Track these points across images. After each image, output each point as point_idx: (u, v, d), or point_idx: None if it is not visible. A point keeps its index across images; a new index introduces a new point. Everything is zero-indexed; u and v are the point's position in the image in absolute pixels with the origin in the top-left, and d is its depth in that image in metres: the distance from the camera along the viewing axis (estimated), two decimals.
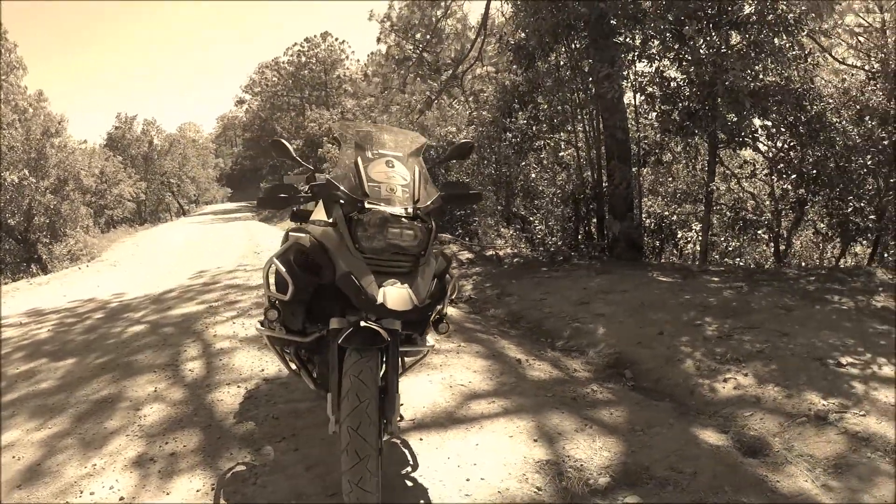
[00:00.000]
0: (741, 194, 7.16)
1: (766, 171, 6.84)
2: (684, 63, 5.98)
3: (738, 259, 7.51)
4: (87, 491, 2.30)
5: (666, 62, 6.27)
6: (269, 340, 2.35)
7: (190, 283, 7.26)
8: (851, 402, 2.82)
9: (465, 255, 8.05)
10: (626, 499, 2.11)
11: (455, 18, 13.36)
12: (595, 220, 7.68)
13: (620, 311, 4.60)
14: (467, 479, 2.24)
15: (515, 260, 7.60)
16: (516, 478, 2.25)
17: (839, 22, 7.27)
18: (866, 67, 6.80)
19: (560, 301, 5.18)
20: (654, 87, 6.30)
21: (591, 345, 4.09)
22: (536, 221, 8.55)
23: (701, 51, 5.79)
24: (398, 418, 2.06)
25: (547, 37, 6.80)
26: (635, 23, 6.32)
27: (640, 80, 6.46)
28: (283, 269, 2.08)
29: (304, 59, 40.90)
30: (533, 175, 8.38)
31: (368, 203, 1.96)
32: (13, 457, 2.62)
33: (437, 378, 3.27)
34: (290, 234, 2.27)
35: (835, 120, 5.92)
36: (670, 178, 7.86)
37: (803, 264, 7.06)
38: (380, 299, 1.85)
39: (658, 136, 7.02)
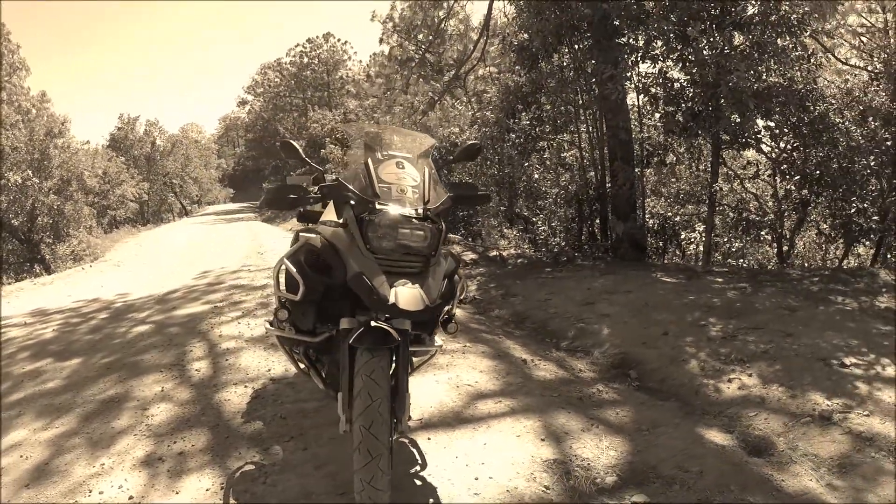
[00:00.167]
0: (744, 195, 7.17)
1: (769, 172, 6.85)
2: (688, 64, 5.99)
3: (742, 260, 7.52)
4: (95, 490, 2.31)
5: (669, 63, 6.28)
6: (279, 340, 2.37)
7: (194, 283, 7.29)
8: (855, 402, 2.84)
9: (469, 256, 8.07)
10: (633, 497, 2.13)
11: (458, 19, 13.39)
12: (598, 220, 7.70)
13: (625, 312, 4.62)
14: (476, 478, 2.26)
15: (519, 260, 7.63)
16: (524, 477, 2.27)
17: (842, 22, 7.27)
18: (869, 68, 6.81)
19: (564, 301, 5.20)
20: (658, 87, 6.31)
21: (595, 345, 4.11)
22: (539, 222, 8.56)
23: (704, 52, 5.80)
24: (408, 417, 2.08)
25: (550, 37, 6.81)
26: (638, 24, 6.33)
27: (643, 81, 6.47)
28: (294, 270, 2.09)
29: (306, 59, 40.93)
30: (536, 176, 8.40)
31: (379, 204, 1.97)
32: (21, 456, 2.62)
33: (443, 378, 3.29)
34: (301, 234, 2.28)
35: (838, 121, 5.92)
36: (673, 179, 7.87)
37: (806, 265, 7.07)
38: (391, 299, 1.87)
39: (661, 136, 7.04)
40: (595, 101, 7.21)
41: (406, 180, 2.08)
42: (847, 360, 3.29)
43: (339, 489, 2.21)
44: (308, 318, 2.20)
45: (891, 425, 2.61)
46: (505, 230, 9.77)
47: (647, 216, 7.67)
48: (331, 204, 2.35)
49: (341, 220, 2.10)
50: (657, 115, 6.79)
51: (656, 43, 6.31)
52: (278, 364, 3.60)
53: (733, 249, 7.62)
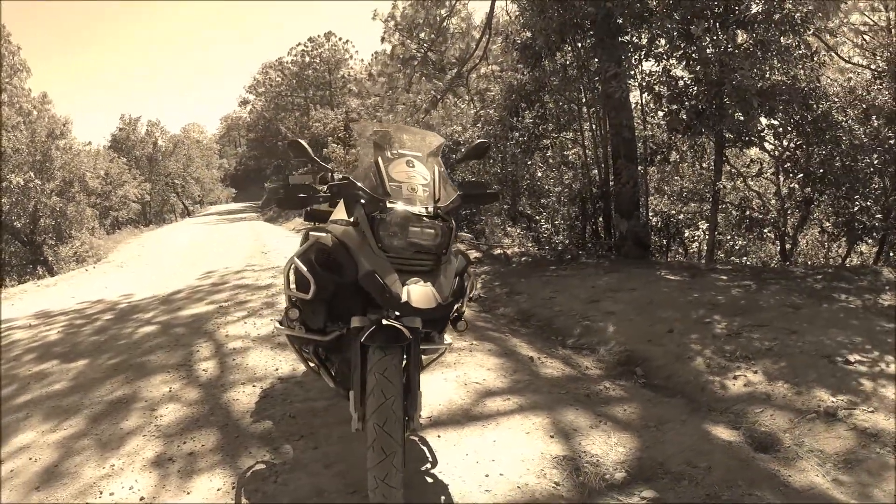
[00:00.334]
0: (747, 193, 7.19)
1: (772, 170, 6.86)
2: (691, 62, 6.00)
3: (745, 258, 7.54)
4: (106, 491, 2.30)
5: (673, 61, 6.30)
6: (289, 339, 2.38)
7: (198, 283, 7.28)
8: (860, 398, 2.86)
9: (474, 254, 8.09)
10: (642, 493, 2.16)
11: (460, 17, 13.39)
12: (602, 218, 7.71)
13: (630, 310, 4.64)
14: (486, 475, 2.28)
15: (523, 259, 7.65)
16: (534, 473, 2.29)
17: (844, 21, 7.28)
18: (872, 66, 6.81)
19: (569, 299, 5.22)
20: (662, 86, 6.32)
21: (601, 342, 4.13)
22: (542, 220, 8.58)
23: (708, 50, 5.81)
24: (419, 415, 2.09)
25: (554, 36, 6.83)
26: (642, 22, 6.34)
27: (647, 79, 6.48)
28: (305, 269, 2.10)
29: (307, 58, 40.88)
30: (539, 174, 8.41)
31: (390, 202, 1.98)
32: (30, 458, 2.62)
33: (451, 376, 3.31)
34: (311, 233, 2.28)
35: (841, 119, 5.93)
36: (677, 178, 7.88)
37: (809, 263, 7.09)
38: (404, 297, 1.88)
39: (665, 134, 7.05)
40: (598, 99, 7.23)
41: (416, 179, 2.08)
42: (851, 358, 3.31)
43: (350, 487, 2.22)
44: (318, 316, 2.21)
45: (894, 422, 2.63)
46: (508, 228, 9.78)
47: (650, 214, 7.69)
48: (341, 203, 2.36)
49: (352, 219, 2.11)
50: (661, 114, 6.80)
51: (660, 41, 6.32)
52: (286, 363, 3.61)
53: (736, 247, 7.64)
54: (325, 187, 2.41)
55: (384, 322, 1.97)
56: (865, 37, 7.42)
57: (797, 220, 6.80)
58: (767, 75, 5.70)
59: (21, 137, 15.35)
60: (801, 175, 6.25)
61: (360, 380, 1.97)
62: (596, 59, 6.90)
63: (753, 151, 7.19)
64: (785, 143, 6.46)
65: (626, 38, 6.63)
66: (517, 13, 8.62)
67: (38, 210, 15.58)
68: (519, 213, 8.90)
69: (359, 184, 2.07)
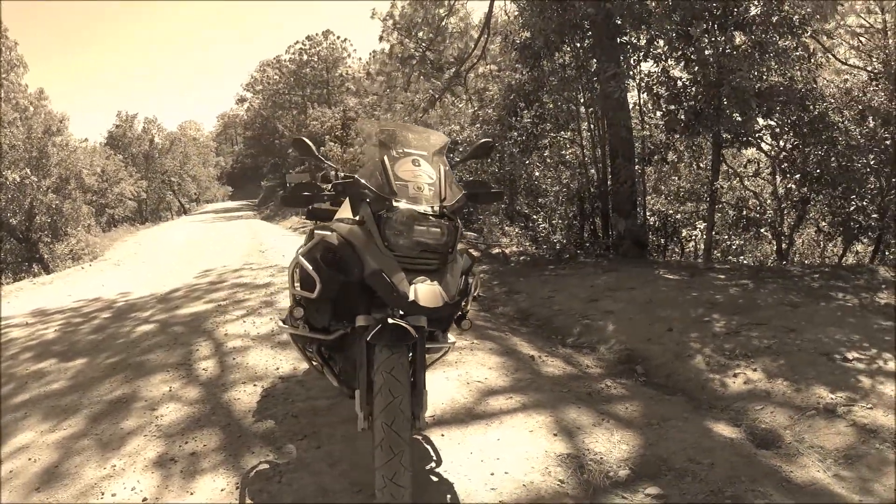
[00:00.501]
0: (744, 193, 7.24)
1: (769, 171, 6.91)
2: (690, 63, 6.04)
3: (741, 257, 7.59)
4: (108, 492, 2.28)
5: (671, 62, 6.33)
6: (292, 338, 2.37)
7: (196, 281, 7.26)
8: (859, 395, 2.90)
9: (472, 253, 8.10)
10: (647, 490, 2.17)
11: (458, 17, 13.38)
12: (600, 218, 7.75)
13: (629, 308, 4.67)
14: (492, 474, 2.29)
15: (521, 258, 7.67)
16: (539, 471, 2.30)
17: (841, 23, 7.33)
18: (868, 68, 6.87)
19: (568, 298, 5.25)
20: (661, 86, 6.36)
21: (601, 341, 4.16)
22: (539, 220, 8.61)
23: (706, 51, 5.84)
24: (425, 414, 2.09)
25: (553, 36, 6.85)
26: (641, 23, 6.37)
27: (646, 79, 6.52)
28: (310, 267, 2.09)
29: (305, 57, 40.77)
30: (536, 173, 8.44)
31: (396, 201, 1.97)
32: (29, 459, 2.59)
33: (453, 375, 3.32)
34: (316, 231, 2.26)
35: (837, 120, 5.99)
36: (674, 177, 7.93)
37: (805, 262, 7.14)
38: (412, 296, 1.87)
39: (663, 135, 7.09)
40: (597, 99, 7.25)
41: (422, 178, 2.07)
42: (849, 355, 3.35)
43: (355, 487, 2.21)
44: (323, 315, 2.21)
45: (893, 417, 2.67)
46: (506, 227, 9.80)
47: (647, 214, 7.73)
48: (346, 202, 2.36)
49: (358, 218, 2.09)
50: (659, 114, 6.84)
51: (658, 42, 6.36)
52: (287, 362, 3.60)
53: (733, 247, 7.69)
54: (329, 185, 2.41)
55: (390, 321, 1.95)
56: (861, 39, 7.48)
57: (793, 219, 6.86)
58: (765, 76, 5.75)
59: (17, 133, 15.25)
60: (798, 175, 6.30)
61: (366, 379, 1.97)
62: (595, 60, 6.93)
63: (750, 152, 7.24)
64: (782, 143, 6.51)
65: (625, 38, 6.66)
66: (516, 13, 8.65)
67: (34, 207, 15.49)
68: (516, 213, 8.91)
69: (365, 182, 2.07)
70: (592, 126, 7.63)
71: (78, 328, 5.07)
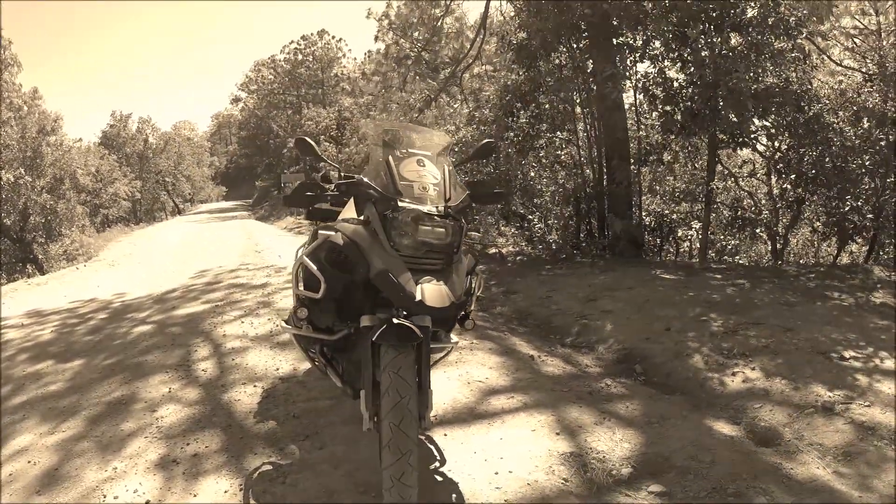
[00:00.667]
0: (739, 193, 7.29)
1: (764, 171, 6.97)
2: (686, 64, 6.08)
3: (737, 257, 7.64)
4: (110, 495, 2.25)
5: (668, 63, 6.37)
6: (295, 338, 2.37)
7: (192, 282, 7.24)
8: (856, 393, 2.93)
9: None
10: (650, 487, 2.19)
11: (454, 17, 13.41)
12: (595, 218, 7.78)
13: (627, 308, 4.69)
14: (496, 473, 2.29)
15: (518, 258, 7.69)
16: (543, 470, 2.31)
17: (836, 24, 7.40)
18: (863, 69, 6.94)
19: (566, 298, 5.26)
20: (657, 87, 6.39)
21: (599, 341, 4.18)
22: (535, 220, 8.63)
23: (702, 52, 5.88)
24: (430, 414, 2.09)
25: (549, 37, 6.87)
26: (637, 24, 6.40)
27: (643, 80, 6.55)
28: (315, 267, 2.09)
29: (300, 56, 40.59)
30: (532, 174, 8.46)
31: (401, 201, 1.97)
32: (29, 461, 2.56)
33: (454, 375, 3.33)
34: (320, 232, 2.25)
35: (832, 121, 6.04)
36: (671, 178, 7.97)
37: (800, 262, 7.20)
38: (418, 296, 1.87)
39: (658, 135, 7.13)
40: (593, 99, 7.29)
41: (427, 178, 2.07)
42: (846, 354, 3.39)
43: (359, 487, 2.21)
44: (327, 316, 2.20)
45: (891, 415, 2.70)
46: (502, 228, 9.81)
47: (643, 214, 7.77)
48: (350, 201, 2.36)
49: (362, 218, 2.09)
50: (655, 115, 6.88)
51: (655, 43, 6.39)
52: (286, 363, 3.59)
53: (728, 247, 7.74)
54: (332, 186, 2.41)
55: (395, 321, 1.95)
56: (856, 40, 7.55)
57: (789, 219, 6.92)
58: (761, 78, 5.79)
59: (11, 133, 15.14)
60: (793, 175, 6.36)
61: (371, 379, 1.97)
62: (591, 60, 6.96)
63: (746, 152, 7.29)
64: (777, 144, 6.57)
65: (622, 39, 6.69)
66: (512, 13, 8.67)
67: (28, 207, 15.38)
68: (512, 213, 8.94)
69: (370, 182, 2.07)
70: (588, 126, 7.66)
71: (74, 329, 5.04)
